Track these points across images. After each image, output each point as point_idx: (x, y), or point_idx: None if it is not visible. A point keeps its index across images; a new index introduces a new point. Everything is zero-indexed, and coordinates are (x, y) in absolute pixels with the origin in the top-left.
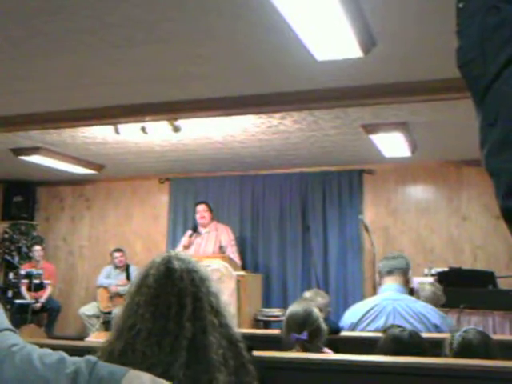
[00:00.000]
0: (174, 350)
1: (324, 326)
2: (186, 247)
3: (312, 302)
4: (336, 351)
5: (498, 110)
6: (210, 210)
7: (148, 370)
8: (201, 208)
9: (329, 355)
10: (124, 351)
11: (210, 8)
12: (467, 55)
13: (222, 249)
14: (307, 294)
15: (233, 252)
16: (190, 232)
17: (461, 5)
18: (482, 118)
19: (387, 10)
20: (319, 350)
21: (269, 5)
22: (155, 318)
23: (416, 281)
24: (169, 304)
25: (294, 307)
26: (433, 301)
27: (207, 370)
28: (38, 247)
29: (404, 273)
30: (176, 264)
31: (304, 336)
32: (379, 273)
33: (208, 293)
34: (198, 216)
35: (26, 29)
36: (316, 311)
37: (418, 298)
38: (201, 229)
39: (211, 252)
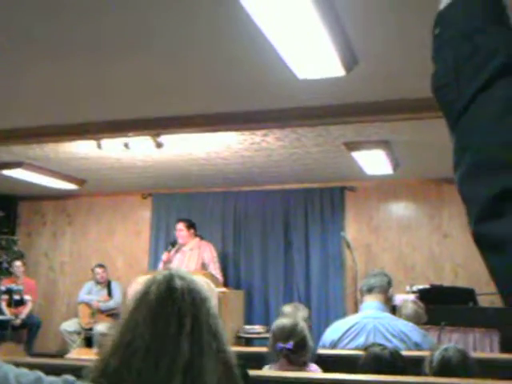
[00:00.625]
0: (171, 371)
1: (310, 341)
2: (166, 263)
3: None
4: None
5: (470, 134)
6: (190, 227)
7: None
8: (178, 226)
9: (312, 373)
10: (119, 368)
11: (191, 24)
12: (442, 80)
13: (204, 266)
14: (287, 309)
15: (215, 269)
16: (169, 247)
17: (436, 31)
18: (456, 141)
19: (369, 28)
20: (305, 365)
21: (250, 22)
22: (154, 337)
23: (398, 298)
24: (168, 323)
25: (281, 320)
26: (414, 319)
27: None
28: (18, 263)
29: (384, 291)
30: (178, 283)
31: (289, 345)
32: (360, 291)
33: (208, 315)
34: (176, 233)
35: (7, 42)
36: (303, 325)
37: (400, 315)
38: (182, 245)
39: (192, 269)
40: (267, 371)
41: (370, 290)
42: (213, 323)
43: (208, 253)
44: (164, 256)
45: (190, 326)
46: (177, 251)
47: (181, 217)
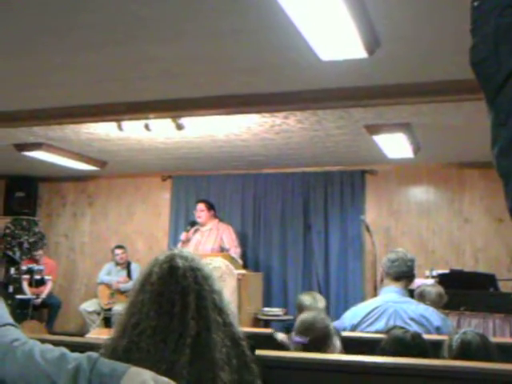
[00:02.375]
0: (179, 347)
1: (335, 341)
2: (185, 242)
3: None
4: None
5: (509, 109)
6: (211, 208)
7: (152, 367)
8: (198, 207)
9: (329, 355)
10: (128, 348)
11: (214, 7)
12: (481, 54)
13: (222, 248)
14: (305, 299)
15: (235, 253)
16: (188, 227)
17: (476, 3)
18: (494, 117)
19: (392, 10)
20: None
21: (274, 3)
22: (159, 316)
23: (417, 282)
24: (172, 302)
25: (305, 314)
26: (439, 303)
27: (211, 368)
28: (40, 251)
29: (410, 280)
30: (179, 262)
31: (304, 341)
32: (386, 274)
33: (211, 291)
34: (196, 214)
35: (31, 25)
36: (324, 321)
37: (424, 302)
38: (201, 226)
39: (210, 249)
40: (286, 353)
41: (398, 278)
42: (217, 299)
43: (227, 236)
44: (182, 236)
45: (195, 303)
46: (195, 231)
47: (200, 198)
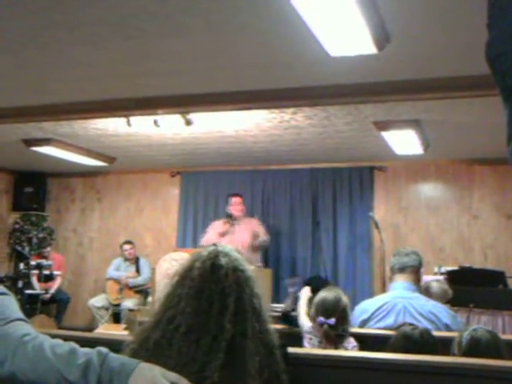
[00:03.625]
0: (212, 350)
1: (349, 314)
2: (222, 235)
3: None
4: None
5: None
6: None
7: (184, 366)
8: (234, 200)
9: (341, 352)
10: (160, 342)
11: (223, 2)
12: (498, 48)
13: (255, 238)
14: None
15: (267, 239)
16: (224, 220)
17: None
18: (509, 113)
19: (402, 5)
20: (343, 339)
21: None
22: (196, 314)
23: (425, 279)
24: (211, 301)
25: (325, 293)
26: (444, 298)
27: (242, 375)
28: (48, 248)
29: (416, 271)
30: (223, 260)
31: (331, 322)
32: (391, 269)
33: (252, 294)
34: (231, 207)
35: (40, 20)
36: (345, 299)
37: (430, 296)
38: (235, 219)
39: (245, 242)
40: (304, 349)
41: (402, 269)
42: (257, 303)
43: (258, 226)
44: (220, 227)
45: (234, 306)
46: (231, 225)
47: (212, 194)
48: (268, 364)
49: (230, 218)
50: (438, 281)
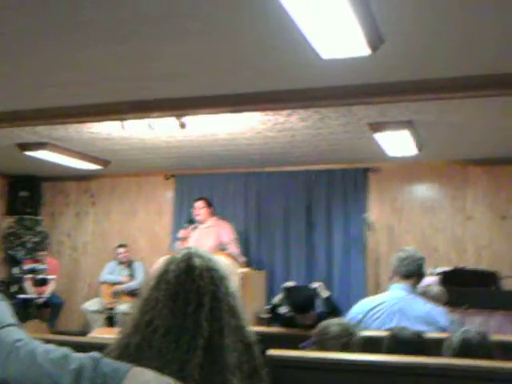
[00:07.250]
0: (191, 348)
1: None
2: (183, 240)
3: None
4: None
5: None
6: (208, 205)
7: (163, 366)
8: (196, 205)
9: (333, 354)
10: (140, 346)
11: (218, 5)
12: None
13: (222, 245)
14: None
15: (236, 249)
16: (185, 225)
17: None
18: None
19: (395, 6)
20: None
21: (274, 1)
22: (173, 315)
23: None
24: (188, 301)
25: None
26: (442, 300)
27: (221, 371)
28: (43, 252)
29: (419, 278)
30: (197, 261)
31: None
32: (395, 272)
33: (227, 293)
34: (194, 212)
35: (33, 24)
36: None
37: (429, 299)
38: (199, 223)
39: (209, 247)
40: (289, 351)
41: (408, 276)
42: (232, 301)
43: (227, 233)
44: (180, 233)
45: (209, 305)
46: (194, 229)
47: (201, 196)
48: (247, 359)
49: (191, 223)
50: (435, 285)
